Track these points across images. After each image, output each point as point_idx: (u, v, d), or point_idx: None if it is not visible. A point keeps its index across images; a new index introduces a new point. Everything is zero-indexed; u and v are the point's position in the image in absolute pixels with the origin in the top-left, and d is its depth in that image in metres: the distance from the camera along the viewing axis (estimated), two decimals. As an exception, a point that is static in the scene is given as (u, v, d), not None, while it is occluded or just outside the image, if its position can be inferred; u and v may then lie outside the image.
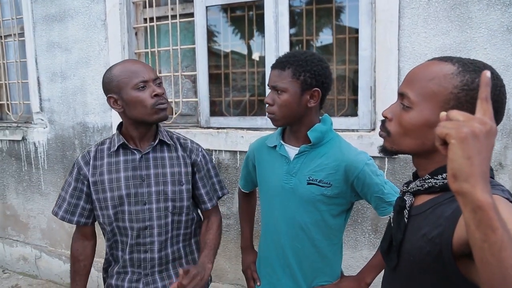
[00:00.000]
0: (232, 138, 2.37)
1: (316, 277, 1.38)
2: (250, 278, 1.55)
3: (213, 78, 2.57)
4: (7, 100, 3.45)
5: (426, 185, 0.86)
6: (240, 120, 2.42)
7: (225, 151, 2.41)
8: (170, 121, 2.62)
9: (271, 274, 1.43)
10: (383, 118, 0.91)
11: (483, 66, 0.80)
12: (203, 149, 1.56)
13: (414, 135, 0.84)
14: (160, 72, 2.69)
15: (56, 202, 1.54)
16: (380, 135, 0.92)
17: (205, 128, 2.51)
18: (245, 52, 2.54)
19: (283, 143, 1.38)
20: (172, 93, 2.63)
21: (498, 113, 0.80)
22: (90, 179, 1.44)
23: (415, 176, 0.93)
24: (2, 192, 3.56)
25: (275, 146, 1.39)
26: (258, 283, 1.49)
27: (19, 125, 3.32)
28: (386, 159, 2.01)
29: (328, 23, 2.30)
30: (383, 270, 1.22)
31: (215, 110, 2.59)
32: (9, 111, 3.45)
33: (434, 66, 0.82)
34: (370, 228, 2.14)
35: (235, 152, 2.38)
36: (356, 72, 2.15)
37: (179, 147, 1.47)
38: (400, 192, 0.95)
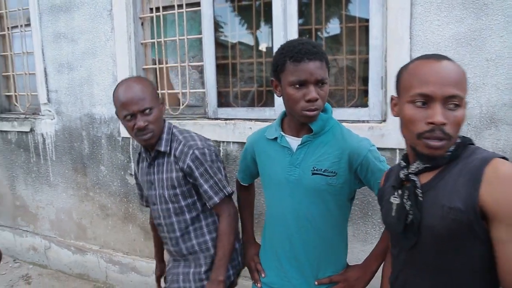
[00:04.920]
0: (240, 129, 2.34)
1: (322, 268, 1.37)
2: (254, 270, 1.54)
3: (220, 69, 2.54)
4: (15, 91, 3.46)
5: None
6: (248, 111, 2.39)
7: (233, 142, 2.39)
8: (177, 112, 2.60)
9: (278, 267, 1.42)
10: (430, 128, 0.90)
11: None
12: (199, 148, 1.52)
13: None
14: (166, 63, 2.66)
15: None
16: (440, 146, 0.90)
17: (212, 119, 2.48)
18: (252, 42, 2.49)
19: (283, 134, 1.35)
20: (179, 83, 2.61)
21: None
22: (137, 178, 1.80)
23: (405, 159, 1.04)
24: (12, 183, 3.58)
25: (275, 138, 1.37)
26: (263, 275, 1.48)
27: (27, 116, 3.32)
28: (398, 151, 1.97)
29: (337, 11, 2.25)
30: (387, 257, 1.25)
31: (223, 101, 2.56)
32: (17, 102, 3.45)
33: (455, 65, 0.93)
34: (380, 221, 2.11)
35: (243, 143, 2.35)
36: (366, 62, 2.10)
37: (172, 152, 1.54)
38: (404, 176, 1.01)
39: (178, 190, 1.54)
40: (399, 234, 1.00)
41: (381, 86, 2.03)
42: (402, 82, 0.98)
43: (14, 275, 3.41)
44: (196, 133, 1.61)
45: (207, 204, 1.56)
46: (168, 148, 1.54)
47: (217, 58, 2.46)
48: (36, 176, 3.40)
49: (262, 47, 2.52)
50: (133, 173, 1.77)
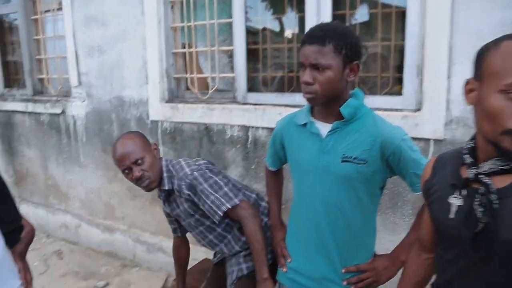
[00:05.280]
0: (270, 115, 2.33)
1: (350, 256, 1.36)
2: (280, 254, 1.54)
3: (250, 54, 2.51)
4: (47, 74, 3.53)
5: None
6: (278, 97, 2.37)
7: (262, 128, 2.38)
8: (206, 97, 2.61)
9: (305, 253, 1.42)
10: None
11: None
12: (191, 174, 1.62)
13: None
14: (196, 47, 2.66)
15: None
16: None
17: (242, 104, 2.47)
18: (283, 27, 2.45)
19: (313, 120, 1.33)
20: (209, 68, 2.60)
21: None
22: None
23: (472, 154, 0.88)
24: (44, 163, 3.69)
25: (305, 124, 1.34)
26: (289, 260, 1.48)
27: (59, 98, 3.40)
28: (432, 141, 1.92)
29: (373, -4, 2.18)
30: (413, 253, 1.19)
31: (252, 86, 2.54)
32: (49, 85, 3.53)
33: None
34: (411, 212, 2.08)
35: (272, 129, 2.32)
36: (401, 49, 2.04)
37: (174, 187, 1.67)
38: (472, 175, 0.87)
39: (197, 215, 1.69)
40: (462, 240, 0.88)
41: (416, 74, 1.97)
42: (490, 65, 0.80)
43: (47, 250, 3.55)
44: (184, 160, 1.72)
45: (217, 217, 1.63)
46: (171, 184, 1.67)
47: (247, 43, 2.44)
48: (67, 157, 3.50)
49: (288, 34, 2.49)
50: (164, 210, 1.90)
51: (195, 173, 1.62)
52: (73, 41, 3.14)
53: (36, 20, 3.49)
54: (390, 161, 1.25)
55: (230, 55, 2.61)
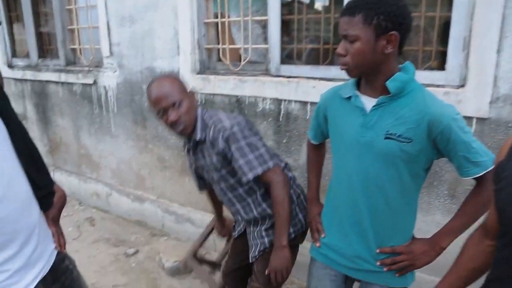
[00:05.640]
0: (303, 88, 2.27)
1: (387, 237, 1.32)
2: (314, 229, 1.52)
3: (284, 25, 2.43)
4: (79, 44, 3.55)
5: None
6: (313, 69, 2.30)
7: (295, 101, 2.33)
8: (238, 68, 2.56)
9: (340, 229, 1.39)
10: None
11: None
12: (229, 128, 1.53)
13: None
14: (228, 17, 2.59)
15: None
16: None
17: (274, 76, 2.42)
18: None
19: (358, 93, 1.28)
20: (242, 38, 2.54)
21: None
22: None
23: None
24: (76, 132, 3.77)
25: (349, 97, 1.29)
26: (323, 235, 1.46)
27: (91, 69, 3.43)
28: (475, 119, 1.83)
29: (417, -38, 2.05)
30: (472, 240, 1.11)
31: (286, 58, 2.48)
32: (81, 55, 3.56)
33: None
34: (447, 193, 2.01)
35: (305, 102, 2.29)
36: (447, 20, 1.92)
37: (207, 138, 1.58)
38: None
39: (222, 171, 1.62)
40: None
41: (462, 48, 1.86)
42: None
43: (80, 216, 3.68)
44: (224, 113, 1.63)
45: (244, 178, 1.56)
46: (204, 134, 1.58)
47: (282, 13, 2.36)
48: (99, 127, 3.55)
49: (318, 5, 2.40)
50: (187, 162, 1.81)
51: (235, 128, 1.53)
52: (105, 11, 3.13)
53: (68, -11, 3.49)
54: (437, 142, 1.18)
55: (264, 25, 2.54)
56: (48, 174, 1.29)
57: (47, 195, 1.27)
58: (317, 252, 1.48)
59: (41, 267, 1.21)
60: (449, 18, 1.89)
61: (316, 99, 2.22)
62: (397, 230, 1.33)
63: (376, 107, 1.22)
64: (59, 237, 1.35)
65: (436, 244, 1.30)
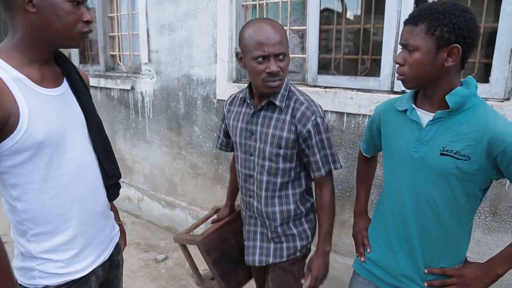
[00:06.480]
0: (340, 98, 2.23)
1: (436, 257, 1.26)
2: (360, 243, 1.48)
3: (322, 35, 2.42)
4: (119, 51, 3.66)
5: None
6: (350, 80, 2.26)
7: (331, 111, 2.29)
8: (274, 78, 2.55)
9: (387, 245, 1.34)
10: None
11: None
12: (320, 116, 1.44)
13: None
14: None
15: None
16: None
17: (311, 86, 2.39)
18: (359, 6, 2.33)
19: (415, 107, 1.23)
20: (278, 48, 2.54)
21: None
22: (226, 120, 1.69)
23: None
24: (112, 137, 3.86)
25: (405, 110, 1.26)
26: (369, 250, 1.42)
27: (129, 75, 3.51)
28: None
29: (464, -28, 1.99)
30: None
31: (323, 68, 2.45)
32: (120, 61, 3.66)
33: None
34: (488, 210, 1.91)
35: (342, 113, 2.26)
36: (493, 31, 1.85)
37: (289, 111, 1.45)
38: None
39: (282, 151, 1.46)
40: None
41: (508, 60, 1.78)
42: None
43: (111, 220, 3.73)
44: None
45: (312, 174, 1.51)
46: (284, 104, 1.45)
47: (320, 23, 2.34)
48: (134, 132, 3.63)
49: (349, 15, 2.36)
50: (224, 117, 1.70)
51: (325, 119, 1.47)
52: (145, 19, 3.22)
53: (111, -1, 3.62)
54: (498, 161, 1.11)
55: (302, 35, 2.53)
56: (117, 165, 1.34)
57: (114, 186, 1.33)
58: (361, 267, 1.44)
59: (103, 252, 1.28)
60: (494, 29, 1.82)
61: (353, 110, 2.20)
62: (448, 251, 1.26)
63: (433, 121, 1.18)
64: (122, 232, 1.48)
65: (491, 270, 1.21)
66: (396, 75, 1.22)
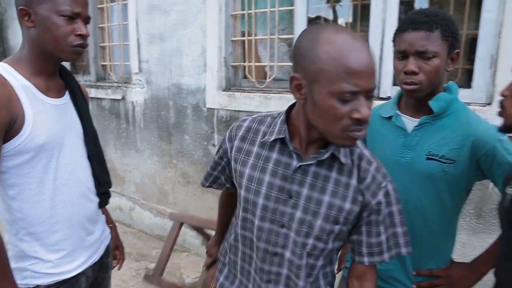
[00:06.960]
0: (328, 105, 2.27)
1: (424, 259, 1.28)
2: (344, 252, 1.51)
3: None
4: (110, 61, 3.69)
5: None
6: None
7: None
8: (263, 86, 2.60)
9: None
10: None
11: None
12: (391, 180, 1.03)
13: None
14: (255, 35, 2.66)
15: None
16: None
17: (299, 94, 2.44)
18: (336, 15, 2.39)
19: (399, 113, 1.27)
20: (267, 56, 2.59)
21: None
22: (231, 162, 1.12)
23: None
24: (103, 146, 3.77)
25: (390, 117, 1.28)
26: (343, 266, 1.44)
27: (120, 85, 3.54)
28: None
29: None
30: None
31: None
32: (111, 71, 3.68)
33: None
34: (473, 212, 1.96)
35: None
36: (473, 38, 1.92)
37: (355, 172, 1.01)
38: None
39: (336, 228, 1.01)
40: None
41: (489, 66, 1.84)
42: None
43: (102, 230, 3.71)
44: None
45: (367, 259, 1.05)
46: (350, 161, 1.01)
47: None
48: (125, 142, 3.64)
49: (341, 21, 2.42)
50: (227, 155, 1.13)
51: (389, 186, 1.03)
52: (135, 29, 3.25)
53: (102, 9, 3.65)
54: (481, 163, 1.15)
55: (290, 44, 2.59)
56: (108, 174, 1.42)
57: (105, 193, 1.39)
58: None
59: (93, 254, 1.33)
60: (475, 35, 1.89)
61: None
62: (435, 252, 1.29)
63: (418, 127, 1.21)
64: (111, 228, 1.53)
65: (477, 269, 1.25)
66: (405, 84, 1.14)
